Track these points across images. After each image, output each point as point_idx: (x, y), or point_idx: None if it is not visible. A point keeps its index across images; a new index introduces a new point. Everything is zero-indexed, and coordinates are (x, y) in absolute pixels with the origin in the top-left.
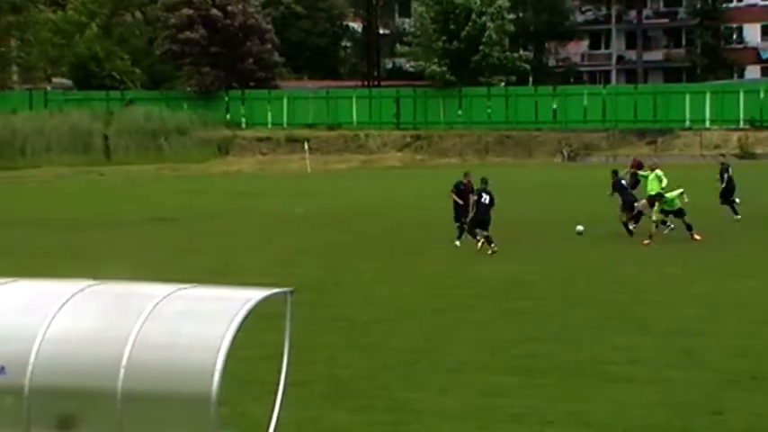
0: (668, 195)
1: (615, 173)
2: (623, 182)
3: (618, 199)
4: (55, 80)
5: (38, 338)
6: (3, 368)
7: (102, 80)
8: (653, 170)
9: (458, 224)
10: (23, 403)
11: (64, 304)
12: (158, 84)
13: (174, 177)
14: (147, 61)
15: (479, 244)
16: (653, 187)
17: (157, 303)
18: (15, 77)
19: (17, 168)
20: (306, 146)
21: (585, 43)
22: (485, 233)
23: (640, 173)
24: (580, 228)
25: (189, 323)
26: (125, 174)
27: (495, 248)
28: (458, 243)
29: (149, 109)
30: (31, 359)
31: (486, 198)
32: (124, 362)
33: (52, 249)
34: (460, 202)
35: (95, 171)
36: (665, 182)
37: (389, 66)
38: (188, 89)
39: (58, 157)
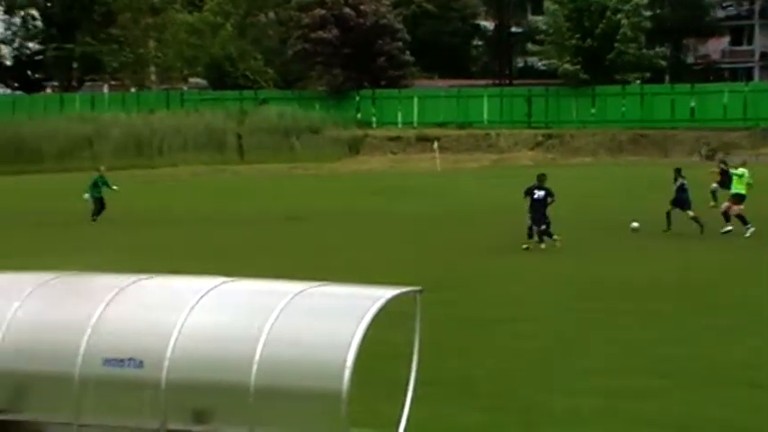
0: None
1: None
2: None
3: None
4: (191, 80)
5: (174, 333)
6: (141, 362)
7: (235, 80)
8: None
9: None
10: (161, 397)
11: (199, 300)
12: (290, 83)
13: (306, 176)
14: (280, 61)
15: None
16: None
17: (289, 300)
18: (153, 78)
19: (154, 167)
20: (436, 145)
21: (726, 39)
22: (540, 229)
23: (733, 171)
24: (635, 224)
25: (320, 320)
26: (258, 172)
27: (558, 242)
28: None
29: (282, 108)
30: (168, 354)
31: (539, 194)
32: (257, 358)
33: (188, 247)
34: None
35: (229, 170)
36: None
37: (521, 64)
38: (320, 88)
39: (194, 155)
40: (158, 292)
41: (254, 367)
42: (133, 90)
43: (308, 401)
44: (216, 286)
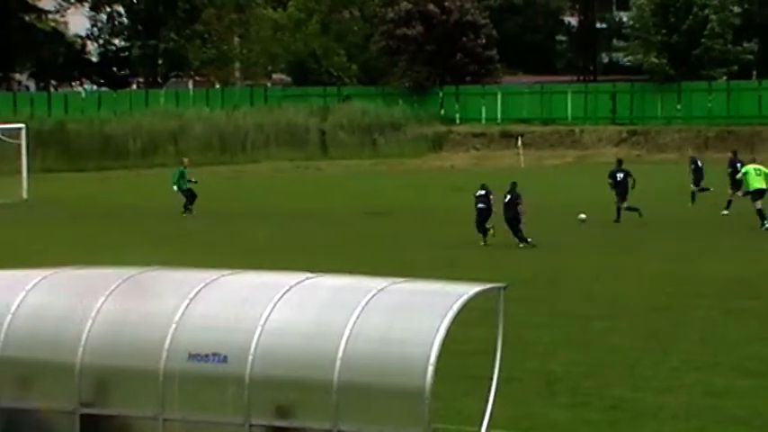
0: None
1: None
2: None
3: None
4: (274, 76)
5: (257, 329)
6: (225, 357)
7: (319, 76)
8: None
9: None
10: (244, 392)
11: (282, 296)
12: (374, 79)
13: (389, 172)
14: (363, 57)
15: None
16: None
17: (372, 297)
18: (237, 74)
19: (238, 163)
20: (519, 141)
21: None
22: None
23: (750, 168)
24: (582, 216)
25: (403, 317)
26: (341, 168)
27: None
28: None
29: (365, 105)
30: (252, 349)
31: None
32: (340, 354)
33: (271, 243)
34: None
35: (313, 166)
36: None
37: (606, 60)
38: (403, 85)
39: (277, 151)
40: (242, 288)
41: (338, 363)
42: (217, 86)
43: (391, 398)
44: (299, 282)
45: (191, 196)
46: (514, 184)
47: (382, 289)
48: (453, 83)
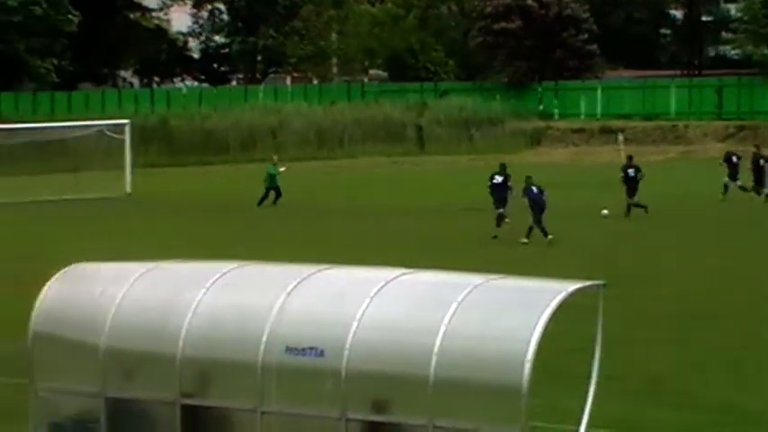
0: None
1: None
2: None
3: None
4: (371, 72)
5: (354, 324)
6: (322, 351)
7: (416, 72)
8: None
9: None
10: (341, 386)
11: (378, 291)
12: (471, 75)
13: (486, 168)
14: (461, 52)
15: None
16: None
17: (468, 293)
18: (334, 69)
19: (335, 158)
20: (620, 137)
21: None
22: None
23: None
24: (605, 212)
25: (500, 313)
26: (438, 164)
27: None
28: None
29: (462, 100)
30: (348, 344)
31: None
32: (436, 349)
33: (367, 238)
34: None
35: (409, 161)
36: None
37: (712, 54)
38: (501, 80)
39: (374, 147)
40: (338, 283)
41: (434, 359)
42: (315, 82)
43: (488, 395)
44: (395, 277)
45: (276, 194)
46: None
47: (479, 285)
48: (552, 78)
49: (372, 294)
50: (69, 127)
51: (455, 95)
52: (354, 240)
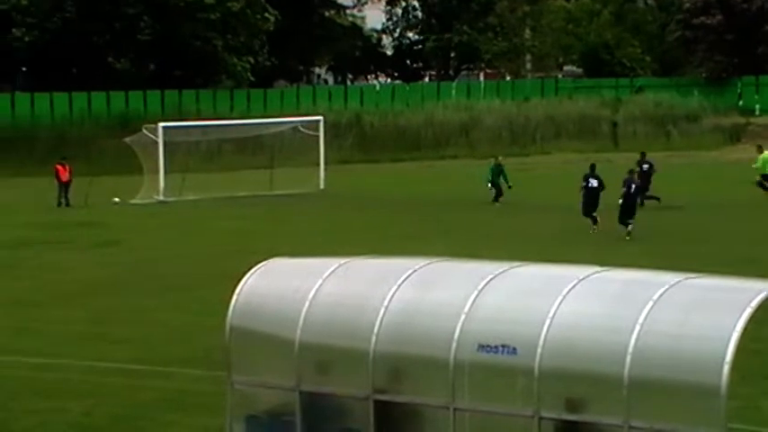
0: None
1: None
2: None
3: None
4: (566, 68)
5: (547, 322)
6: (515, 349)
7: (612, 67)
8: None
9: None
10: (534, 384)
11: (572, 289)
12: (668, 70)
13: (683, 165)
14: (659, 48)
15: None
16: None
17: (665, 291)
18: (528, 66)
19: (528, 155)
20: None
21: None
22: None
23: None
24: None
25: (697, 313)
26: (632, 161)
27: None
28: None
29: (659, 96)
30: (541, 341)
31: (593, 183)
32: (631, 349)
33: (560, 235)
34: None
35: (603, 158)
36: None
37: None
38: (699, 75)
39: (567, 143)
40: (531, 280)
41: (629, 358)
42: (508, 78)
43: (685, 395)
44: (589, 275)
45: (498, 192)
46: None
47: (675, 284)
48: (753, 73)
49: (565, 292)
50: (265, 123)
51: (651, 91)
52: (547, 237)
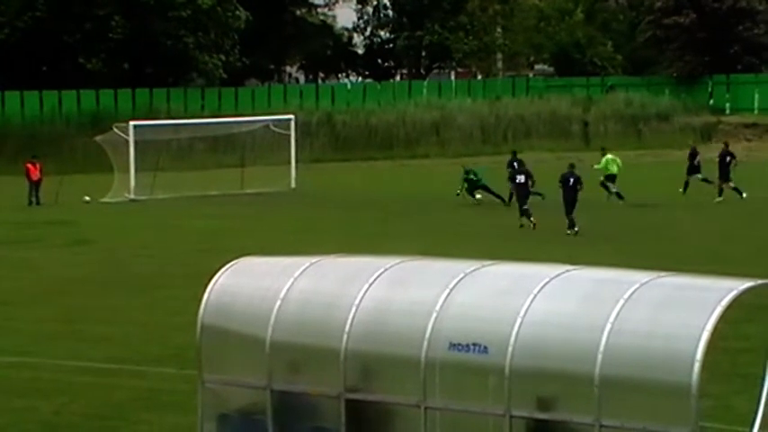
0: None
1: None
2: None
3: None
4: (537, 67)
5: (518, 321)
6: (486, 348)
7: (583, 66)
8: None
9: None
10: (505, 383)
11: (542, 288)
12: (639, 69)
13: (655, 164)
14: (629, 47)
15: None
16: None
17: (636, 290)
18: (499, 65)
19: (500, 153)
20: None
21: None
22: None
23: None
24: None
25: (668, 311)
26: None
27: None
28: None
29: (630, 95)
30: (512, 340)
31: (520, 178)
32: (602, 347)
33: (531, 233)
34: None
35: (574, 157)
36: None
37: None
38: (670, 74)
39: (538, 142)
40: (502, 279)
41: (599, 357)
42: (480, 77)
43: (656, 394)
44: (559, 274)
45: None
46: (572, 165)
47: (646, 282)
48: (724, 72)
49: (536, 291)
50: (236, 122)
51: (622, 90)
52: (517, 236)
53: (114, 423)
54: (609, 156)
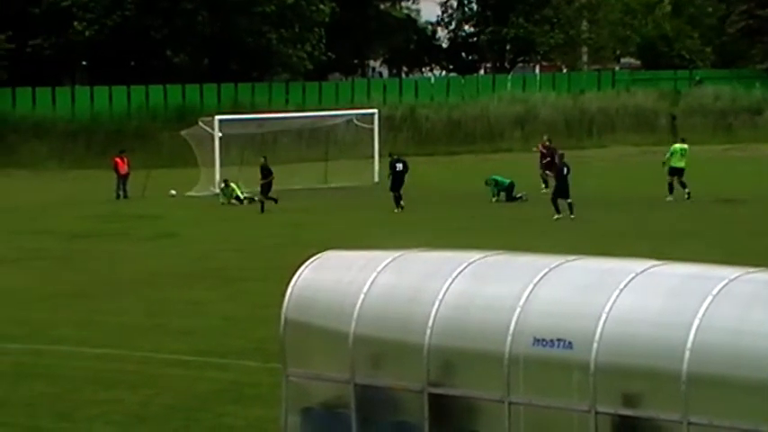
0: None
1: None
2: None
3: None
4: (623, 60)
5: (603, 316)
6: (570, 343)
7: (670, 60)
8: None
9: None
10: (590, 379)
11: (628, 283)
12: (728, 62)
13: (744, 158)
14: (719, 40)
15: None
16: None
17: (725, 285)
18: (584, 58)
19: (584, 148)
20: None
21: None
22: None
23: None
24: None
25: (758, 308)
26: (692, 154)
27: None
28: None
29: (719, 88)
30: (597, 336)
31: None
32: (689, 344)
33: (617, 229)
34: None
35: (661, 151)
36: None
37: None
38: (761, 67)
39: (624, 136)
40: (587, 274)
41: (687, 354)
42: (564, 71)
43: (745, 392)
44: (645, 269)
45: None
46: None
47: (735, 278)
48: None
49: (622, 286)
50: (320, 116)
51: (711, 83)
52: (604, 231)
53: (199, 415)
54: (676, 145)
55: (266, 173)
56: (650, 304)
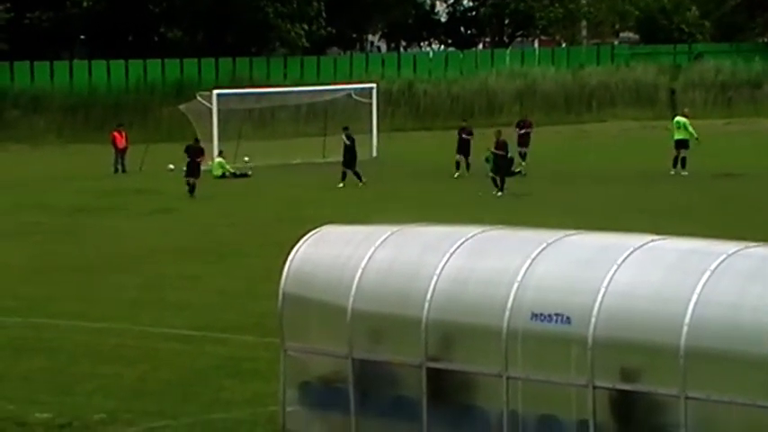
0: None
1: None
2: None
3: None
4: (622, 35)
5: (601, 291)
6: (569, 318)
7: (669, 33)
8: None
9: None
10: (588, 354)
11: (626, 258)
12: (728, 36)
13: (744, 132)
14: (717, 13)
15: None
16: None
17: (723, 261)
18: (584, 33)
19: (583, 123)
20: None
21: None
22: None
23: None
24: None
25: (756, 283)
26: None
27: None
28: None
29: (719, 62)
30: (595, 311)
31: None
32: (687, 319)
33: (615, 203)
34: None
35: (660, 125)
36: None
37: None
38: (762, 41)
39: (623, 111)
40: (585, 249)
41: (685, 329)
42: (563, 45)
43: (743, 366)
44: (644, 244)
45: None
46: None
47: (733, 253)
48: None
49: (620, 261)
50: (318, 91)
51: (711, 57)
52: (602, 206)
53: (197, 389)
54: (678, 118)
55: (195, 153)
56: (649, 279)
